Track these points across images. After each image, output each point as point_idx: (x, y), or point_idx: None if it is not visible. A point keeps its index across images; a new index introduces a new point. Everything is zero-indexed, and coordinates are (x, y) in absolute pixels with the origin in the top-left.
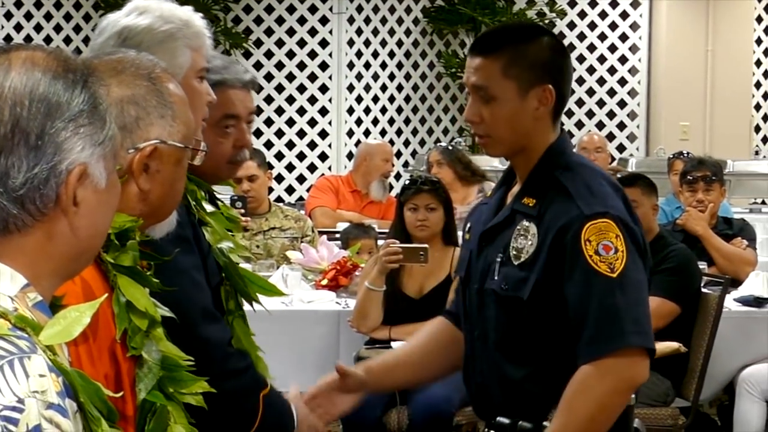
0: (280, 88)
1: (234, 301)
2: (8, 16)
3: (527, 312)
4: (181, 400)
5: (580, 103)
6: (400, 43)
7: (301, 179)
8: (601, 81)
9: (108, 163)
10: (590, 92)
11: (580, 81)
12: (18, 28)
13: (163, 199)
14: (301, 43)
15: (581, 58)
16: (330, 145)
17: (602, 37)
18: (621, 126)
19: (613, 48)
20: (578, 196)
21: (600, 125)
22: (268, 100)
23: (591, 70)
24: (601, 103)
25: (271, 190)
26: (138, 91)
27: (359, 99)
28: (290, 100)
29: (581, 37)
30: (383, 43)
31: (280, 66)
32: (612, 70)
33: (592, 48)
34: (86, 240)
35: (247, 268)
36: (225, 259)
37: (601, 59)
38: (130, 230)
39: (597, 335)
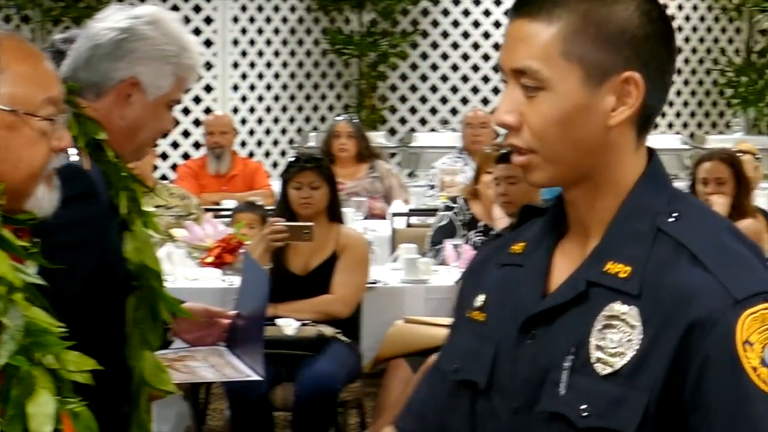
0: None
1: (145, 311)
2: None
3: None
4: (68, 378)
5: (485, 79)
6: (284, 20)
7: (186, 157)
8: (486, 57)
9: None
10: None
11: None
12: None
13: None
14: (185, 20)
15: (486, 35)
16: None
17: (487, 13)
18: None
19: (497, 24)
20: (715, 266)
21: (485, 101)
22: None
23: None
24: (486, 79)
25: (155, 168)
26: None
27: (244, 76)
28: None
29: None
30: (268, 20)
31: None
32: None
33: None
34: None
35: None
36: (139, 267)
37: (486, 35)
38: None
39: None
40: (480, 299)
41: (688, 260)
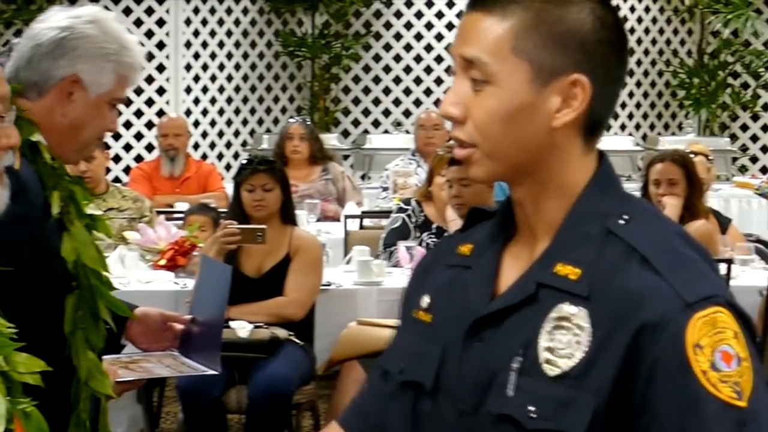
0: None
1: (86, 311)
2: None
3: None
4: (18, 379)
5: (438, 81)
6: (237, 22)
7: (138, 159)
8: (439, 59)
9: None
10: (428, 70)
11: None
12: None
13: None
14: (138, 23)
15: (439, 37)
16: None
17: (440, 15)
18: None
19: (450, 26)
20: (666, 269)
21: (438, 103)
22: None
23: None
24: (439, 81)
25: (108, 170)
26: None
27: (197, 78)
28: None
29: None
30: (220, 22)
31: None
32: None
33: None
34: None
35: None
36: (78, 268)
37: (439, 37)
38: None
39: None
40: (426, 300)
41: (639, 263)
